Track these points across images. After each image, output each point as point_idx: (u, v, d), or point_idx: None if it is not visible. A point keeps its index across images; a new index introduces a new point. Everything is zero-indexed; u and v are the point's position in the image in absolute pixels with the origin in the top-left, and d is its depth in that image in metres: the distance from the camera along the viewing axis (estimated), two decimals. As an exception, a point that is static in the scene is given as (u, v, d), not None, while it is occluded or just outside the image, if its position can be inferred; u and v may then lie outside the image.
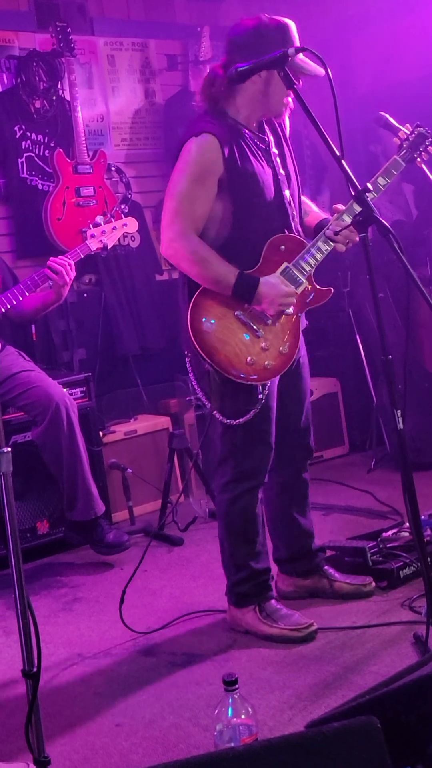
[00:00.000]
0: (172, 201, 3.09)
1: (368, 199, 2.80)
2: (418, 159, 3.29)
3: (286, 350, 3.17)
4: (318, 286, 3.24)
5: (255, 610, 3.25)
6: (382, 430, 5.42)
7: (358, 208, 3.01)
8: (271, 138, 3.23)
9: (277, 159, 3.21)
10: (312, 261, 3.17)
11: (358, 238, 3.09)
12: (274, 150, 3.21)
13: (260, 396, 3.14)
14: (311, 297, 3.23)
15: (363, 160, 6.19)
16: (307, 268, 3.17)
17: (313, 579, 3.52)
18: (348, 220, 3.11)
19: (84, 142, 5.00)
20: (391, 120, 3.40)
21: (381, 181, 3.25)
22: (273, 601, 3.30)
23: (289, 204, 3.21)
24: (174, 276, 5.69)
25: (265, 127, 3.23)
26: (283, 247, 3.16)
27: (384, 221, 2.74)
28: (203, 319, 3.07)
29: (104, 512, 4.28)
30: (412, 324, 5.44)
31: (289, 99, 3.11)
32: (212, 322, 3.08)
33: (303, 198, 3.38)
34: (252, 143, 3.14)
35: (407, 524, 3.84)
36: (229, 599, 3.34)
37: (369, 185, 3.13)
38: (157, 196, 5.64)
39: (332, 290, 3.28)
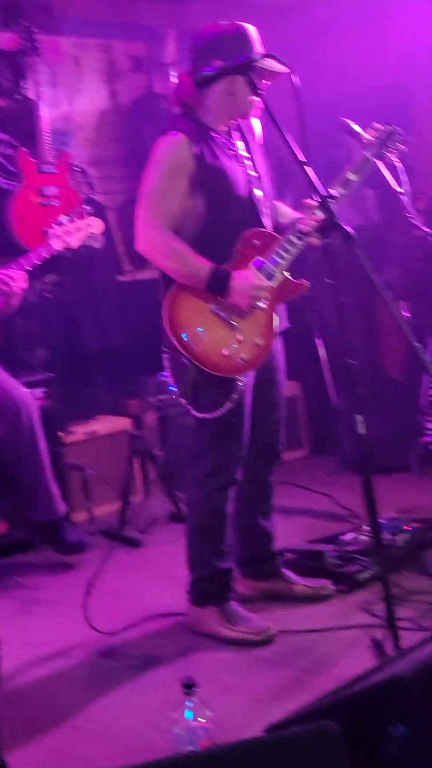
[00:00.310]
0: (145, 198, 3.15)
1: (332, 205, 2.82)
2: (387, 156, 3.31)
3: (262, 342, 3.19)
4: (293, 279, 3.26)
5: (215, 612, 3.26)
6: (342, 433, 5.44)
7: (341, 191, 3.18)
8: (239, 143, 3.27)
9: (247, 162, 3.25)
10: (286, 255, 3.19)
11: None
12: (244, 153, 3.25)
13: (235, 391, 3.15)
14: (286, 290, 3.25)
15: (324, 164, 6.22)
16: (281, 261, 3.19)
17: (271, 582, 3.53)
18: (320, 214, 3.14)
19: (48, 142, 4.97)
20: (354, 126, 3.42)
21: (351, 176, 3.26)
22: (233, 603, 3.31)
23: (260, 202, 3.24)
24: (137, 277, 5.68)
25: (235, 132, 3.27)
26: (256, 242, 3.19)
27: (347, 227, 2.76)
28: (179, 313, 3.11)
29: (65, 513, 4.26)
30: (373, 329, 5.48)
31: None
32: (188, 315, 3.11)
33: (277, 202, 3.41)
34: (221, 144, 3.19)
35: (366, 528, 3.87)
36: (191, 597, 3.34)
37: (337, 188, 3.20)
38: (120, 197, 5.63)
39: (306, 283, 3.29)
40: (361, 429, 2.73)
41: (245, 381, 3.20)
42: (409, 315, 5.25)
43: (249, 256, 3.18)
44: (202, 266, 3.09)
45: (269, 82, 3.07)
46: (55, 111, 5.31)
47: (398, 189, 3.39)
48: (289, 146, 2.79)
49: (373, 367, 5.53)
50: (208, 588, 3.29)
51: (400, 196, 3.42)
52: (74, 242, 4.18)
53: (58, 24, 5.35)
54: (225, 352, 3.11)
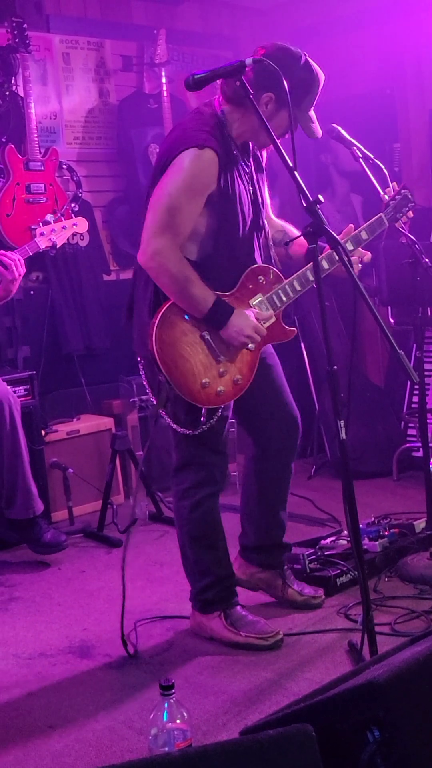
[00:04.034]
0: (162, 212, 2.96)
1: (319, 210, 2.82)
2: (401, 220, 3.37)
3: (240, 381, 3.15)
4: (284, 325, 3.25)
5: (220, 617, 3.22)
6: (324, 437, 5.47)
7: (350, 246, 3.21)
8: (252, 162, 3.20)
9: (257, 184, 3.19)
10: (284, 298, 3.18)
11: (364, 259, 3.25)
12: (253, 175, 3.18)
13: (215, 415, 3.12)
14: (275, 333, 3.23)
15: (313, 169, 6.25)
16: (279, 303, 3.18)
17: (270, 573, 3.49)
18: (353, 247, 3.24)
19: (36, 138, 4.96)
20: (343, 132, 3.44)
21: (363, 235, 3.30)
22: (239, 607, 3.26)
23: (268, 234, 3.22)
24: (122, 276, 5.69)
25: (250, 148, 3.19)
26: (261, 278, 3.17)
27: (333, 233, 2.77)
28: (169, 332, 3.02)
29: (43, 511, 4.26)
30: (357, 335, 5.49)
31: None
32: (178, 336, 3.03)
33: (281, 222, 3.40)
34: (238, 164, 3.09)
35: (345, 532, 3.89)
36: (194, 605, 3.30)
37: (348, 242, 3.24)
38: (107, 195, 5.64)
39: (296, 331, 3.30)
40: (343, 434, 2.74)
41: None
42: (393, 321, 5.28)
43: (251, 289, 3.15)
44: (207, 297, 3.00)
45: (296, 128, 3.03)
46: (44, 108, 5.31)
47: (384, 196, 3.40)
48: (279, 150, 2.79)
49: (356, 373, 5.55)
50: (212, 596, 3.24)
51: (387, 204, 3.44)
52: (59, 241, 4.21)
53: (48, 21, 5.36)
54: (203, 381, 3.05)
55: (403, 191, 3.37)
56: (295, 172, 2.77)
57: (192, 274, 3.00)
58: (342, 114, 5.27)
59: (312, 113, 3.08)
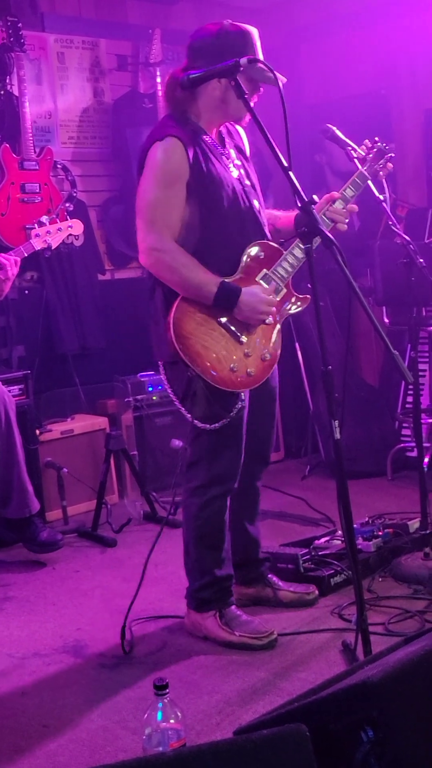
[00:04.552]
0: (146, 209, 3.06)
1: (313, 210, 2.82)
2: (381, 173, 3.36)
3: (268, 357, 3.17)
4: (296, 294, 3.26)
5: (215, 616, 3.23)
6: (318, 437, 5.47)
7: (339, 205, 3.23)
8: (232, 151, 3.23)
9: (241, 170, 3.21)
10: (289, 268, 3.19)
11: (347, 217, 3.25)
12: (236, 162, 3.22)
13: (239, 403, 3.13)
14: (290, 304, 3.25)
15: (308, 169, 6.25)
16: (285, 274, 3.19)
17: (256, 587, 3.51)
18: (339, 205, 3.25)
19: (31, 138, 4.96)
20: (338, 132, 3.44)
21: (349, 192, 3.31)
22: (233, 607, 3.27)
23: (260, 213, 3.23)
24: (116, 276, 5.68)
25: (225, 139, 3.24)
26: (261, 254, 3.17)
27: (328, 232, 2.77)
28: (186, 325, 3.04)
29: (38, 511, 4.25)
30: (351, 334, 5.49)
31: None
32: (195, 327, 3.05)
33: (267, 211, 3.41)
34: (214, 149, 3.14)
35: (339, 532, 3.89)
36: (189, 603, 3.31)
37: (338, 203, 3.24)
38: (102, 195, 5.63)
39: (309, 298, 3.29)
40: (337, 434, 2.74)
41: (246, 392, 3.18)
42: (387, 321, 5.28)
43: (253, 267, 3.15)
44: (210, 281, 3.03)
45: (261, 90, 3.08)
46: (38, 107, 5.30)
47: (379, 196, 3.41)
48: (274, 151, 2.79)
49: (350, 373, 5.55)
50: (209, 596, 3.25)
51: (382, 203, 3.44)
52: (54, 242, 4.21)
53: (43, 20, 5.35)
54: (231, 366, 3.06)
55: (377, 144, 3.36)
56: (290, 172, 2.77)
57: (190, 263, 3.04)
58: (337, 114, 5.29)
59: (266, 65, 2.98)
